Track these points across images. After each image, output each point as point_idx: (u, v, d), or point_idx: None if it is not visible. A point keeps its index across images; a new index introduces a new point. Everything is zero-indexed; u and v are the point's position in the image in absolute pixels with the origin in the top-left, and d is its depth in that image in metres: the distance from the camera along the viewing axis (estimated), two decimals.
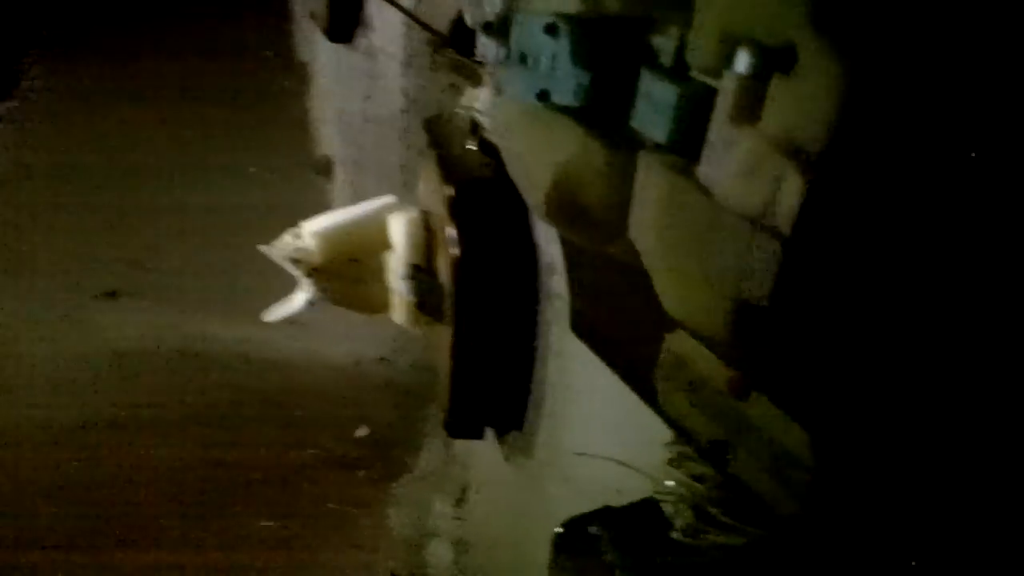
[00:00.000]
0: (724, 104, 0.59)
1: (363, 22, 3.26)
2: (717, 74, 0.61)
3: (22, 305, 3.67)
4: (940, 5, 0.53)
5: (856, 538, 0.61)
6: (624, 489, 1.24)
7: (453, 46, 1.54)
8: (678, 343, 0.73)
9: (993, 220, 0.55)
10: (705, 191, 0.61)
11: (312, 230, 1.78)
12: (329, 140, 3.94)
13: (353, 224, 1.81)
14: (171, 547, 2.80)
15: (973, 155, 0.54)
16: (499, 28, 0.75)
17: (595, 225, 0.71)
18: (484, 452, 2.00)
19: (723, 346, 0.65)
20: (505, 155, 0.81)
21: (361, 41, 3.35)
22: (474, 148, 1.72)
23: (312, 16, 3.47)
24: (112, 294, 3.68)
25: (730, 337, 0.60)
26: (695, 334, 0.67)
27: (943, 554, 0.59)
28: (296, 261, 1.76)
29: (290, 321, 3.47)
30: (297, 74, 5.03)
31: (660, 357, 0.75)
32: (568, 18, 0.68)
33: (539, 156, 0.73)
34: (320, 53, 4.10)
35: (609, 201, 0.68)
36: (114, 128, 4.87)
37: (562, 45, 0.70)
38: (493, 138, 1.69)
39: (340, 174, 3.73)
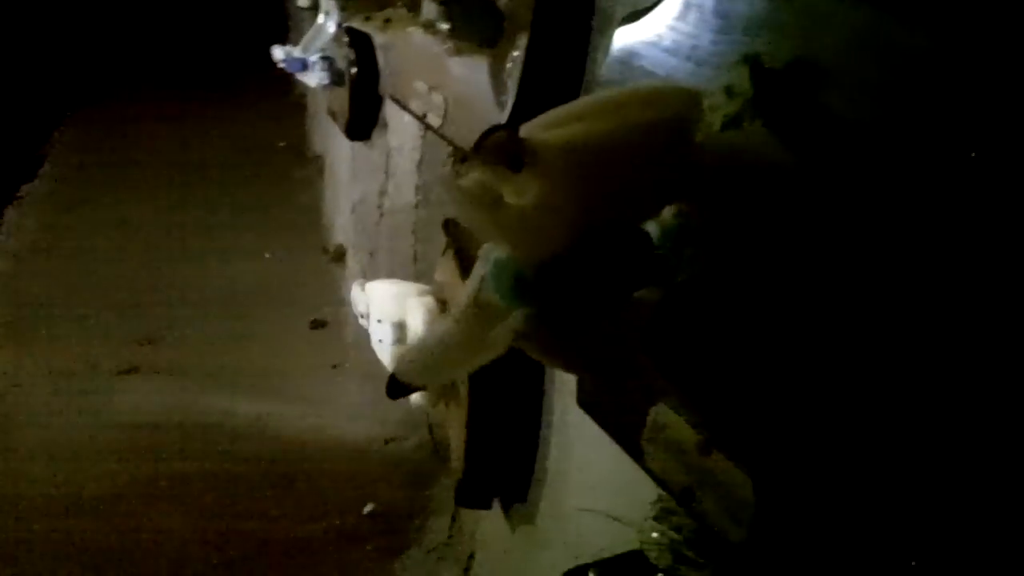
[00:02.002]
0: None
1: (380, 122, 3.52)
2: None
3: (43, 380, 3.91)
4: None
5: (791, 559, 0.85)
6: (615, 546, 1.47)
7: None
8: (660, 414, 0.98)
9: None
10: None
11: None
12: (343, 229, 4.22)
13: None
14: None
15: None
16: None
17: None
18: (490, 522, 2.22)
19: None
20: None
21: (377, 140, 3.61)
22: None
23: (332, 114, 3.74)
24: (131, 370, 3.91)
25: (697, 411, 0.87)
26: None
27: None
28: None
29: (306, 401, 3.72)
30: (309, 165, 5.33)
31: (646, 425, 1.00)
32: None
33: None
34: (335, 147, 4.39)
35: None
36: (132, 209, 5.17)
37: None
38: None
39: (353, 261, 4.00)
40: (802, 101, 0.82)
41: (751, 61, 0.86)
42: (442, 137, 1.91)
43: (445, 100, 1.86)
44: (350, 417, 3.62)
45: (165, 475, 3.43)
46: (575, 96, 1.56)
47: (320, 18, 1.80)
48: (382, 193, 3.58)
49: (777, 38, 0.88)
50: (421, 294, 2.08)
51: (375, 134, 3.61)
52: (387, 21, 1.73)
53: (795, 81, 0.83)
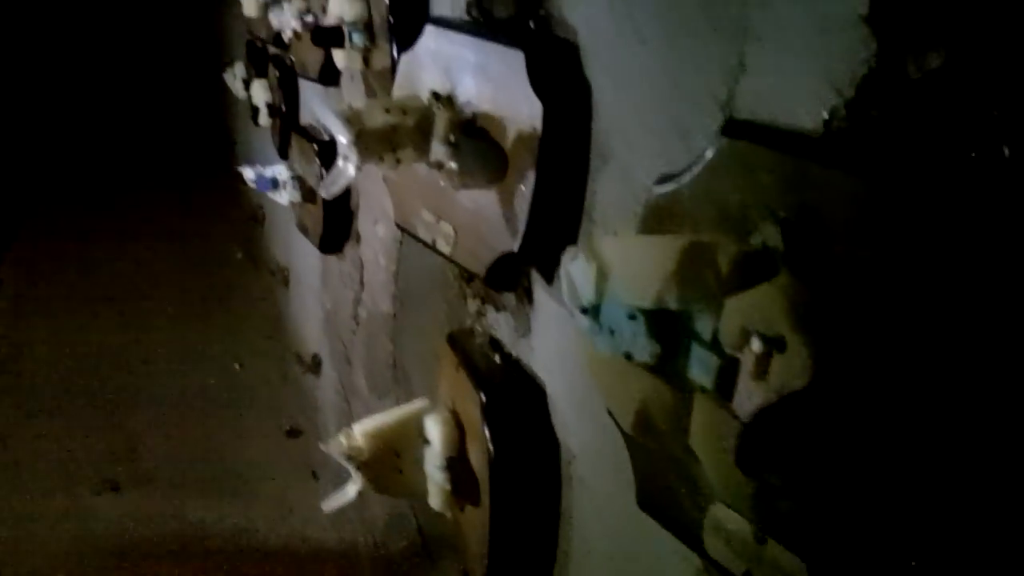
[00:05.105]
0: (745, 369, 1.06)
1: (352, 236, 3.71)
2: (740, 348, 1.08)
3: (20, 502, 3.97)
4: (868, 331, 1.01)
5: None
6: None
7: (487, 283, 2.02)
8: (718, 511, 1.19)
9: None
10: (736, 417, 1.07)
11: (362, 431, 2.20)
12: (316, 339, 4.37)
13: (395, 424, 2.23)
14: None
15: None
16: (592, 311, 1.22)
17: (664, 437, 1.17)
18: None
19: (749, 512, 1.11)
20: (598, 386, 1.28)
21: (349, 252, 3.80)
22: (497, 361, 2.18)
23: (303, 229, 3.92)
24: (113, 486, 4.01)
25: (752, 512, 1.08)
26: (732, 506, 1.15)
27: None
28: (349, 457, 2.16)
29: (289, 508, 3.84)
30: (270, 277, 5.50)
31: (704, 520, 1.21)
32: (643, 310, 1.16)
33: (624, 393, 1.21)
34: (302, 259, 4.56)
35: (674, 424, 1.15)
36: (94, 324, 5.27)
37: (639, 326, 1.17)
38: (514, 352, 2.17)
39: (329, 370, 4.15)
40: (818, 248, 1.04)
41: (781, 221, 1.09)
42: (453, 263, 2.12)
43: (455, 229, 2.07)
44: (335, 523, 3.75)
45: None
46: (576, 224, 1.79)
47: (339, 162, 1.99)
48: (357, 302, 3.76)
49: (791, 200, 1.10)
50: (426, 411, 2.24)
51: (347, 247, 3.80)
52: (398, 161, 1.94)
53: (810, 233, 1.06)
